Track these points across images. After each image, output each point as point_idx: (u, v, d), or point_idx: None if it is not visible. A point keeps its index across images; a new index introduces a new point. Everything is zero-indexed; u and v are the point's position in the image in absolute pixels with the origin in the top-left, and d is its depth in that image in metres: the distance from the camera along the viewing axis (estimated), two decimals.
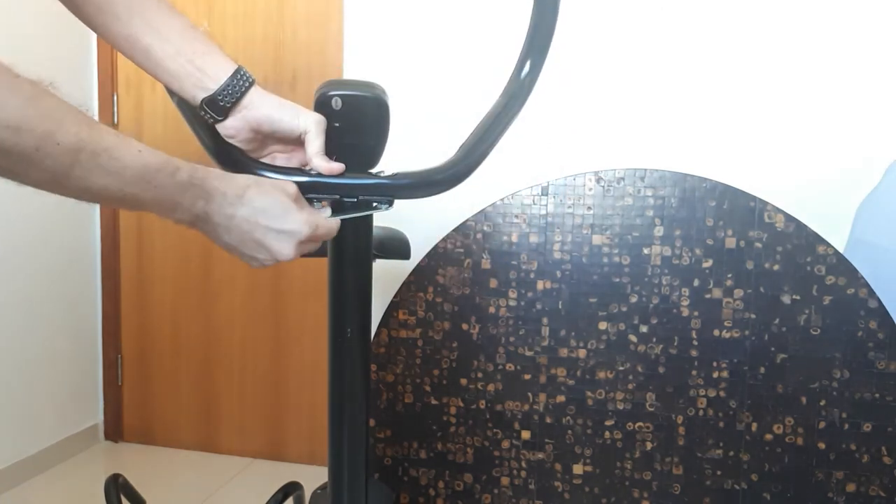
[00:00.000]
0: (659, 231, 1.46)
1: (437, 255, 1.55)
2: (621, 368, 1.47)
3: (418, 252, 1.58)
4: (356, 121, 0.81)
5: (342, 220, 0.78)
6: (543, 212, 1.52)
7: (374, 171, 0.84)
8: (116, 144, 0.57)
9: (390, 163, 0.87)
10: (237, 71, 0.77)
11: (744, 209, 1.43)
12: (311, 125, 0.77)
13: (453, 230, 1.55)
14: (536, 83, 0.82)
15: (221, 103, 0.75)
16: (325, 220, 0.74)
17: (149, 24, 0.74)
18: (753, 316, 1.42)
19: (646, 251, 1.47)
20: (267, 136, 0.80)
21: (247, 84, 0.77)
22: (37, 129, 0.50)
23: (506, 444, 1.53)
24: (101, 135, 0.55)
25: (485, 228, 1.54)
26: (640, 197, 1.48)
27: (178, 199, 0.63)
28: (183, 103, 0.80)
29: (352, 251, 0.86)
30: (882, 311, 1.37)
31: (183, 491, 2.18)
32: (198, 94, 0.75)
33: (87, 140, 0.54)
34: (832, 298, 1.39)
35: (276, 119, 0.77)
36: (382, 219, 0.89)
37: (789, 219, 1.41)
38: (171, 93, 0.79)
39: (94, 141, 0.54)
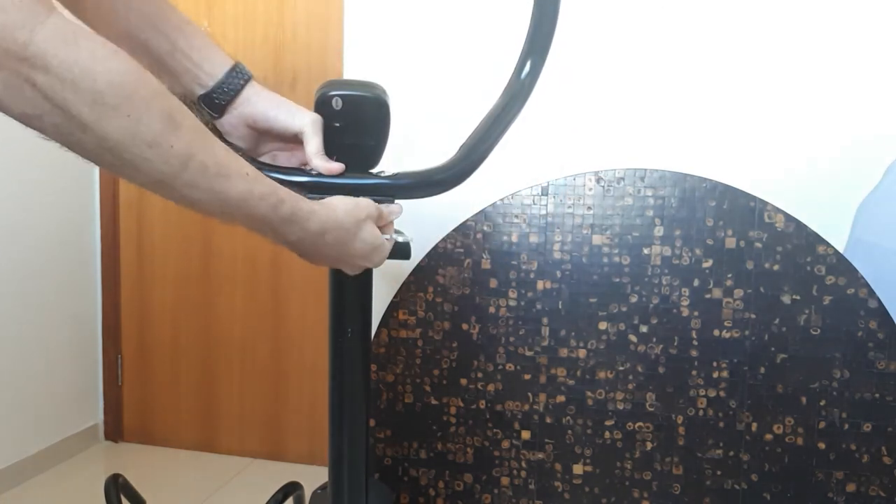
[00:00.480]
0: (659, 231, 1.46)
1: (437, 255, 1.55)
2: (621, 368, 1.47)
3: (418, 252, 1.58)
4: (356, 121, 0.81)
5: None
6: (543, 212, 1.52)
7: (374, 171, 0.84)
8: (227, 162, 0.55)
9: (390, 163, 0.87)
10: (234, 67, 0.77)
11: (744, 209, 1.43)
12: (308, 125, 0.77)
13: (453, 230, 1.55)
14: (537, 83, 0.82)
15: (217, 101, 0.75)
16: (388, 242, 0.77)
17: (146, 20, 0.73)
18: (753, 316, 1.42)
19: (646, 251, 1.47)
20: (263, 134, 0.80)
21: (243, 80, 0.77)
22: (154, 126, 0.48)
23: (506, 444, 1.53)
24: (213, 148, 0.54)
25: (485, 228, 1.54)
26: (640, 197, 1.48)
27: (275, 228, 0.63)
28: (184, 102, 0.80)
29: None
30: (882, 311, 1.37)
31: (183, 491, 2.18)
32: (195, 90, 0.75)
33: (199, 149, 0.52)
34: (832, 298, 1.39)
35: (272, 117, 0.77)
36: None
37: (789, 219, 1.41)
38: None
39: (205, 152, 0.53)
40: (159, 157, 0.49)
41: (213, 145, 0.54)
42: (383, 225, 0.76)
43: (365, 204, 0.72)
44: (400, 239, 0.79)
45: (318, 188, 0.79)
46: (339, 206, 0.69)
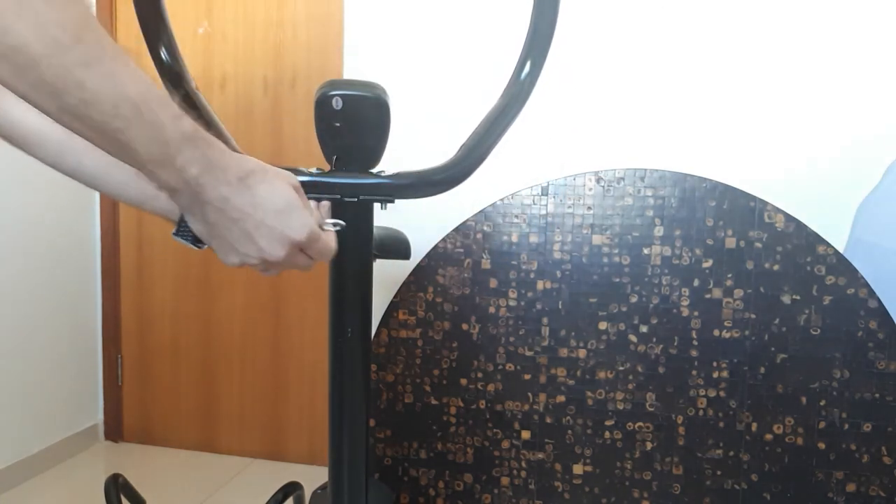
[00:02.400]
0: (659, 231, 1.46)
1: (437, 255, 1.55)
2: (621, 368, 1.47)
3: (418, 252, 1.58)
4: (356, 121, 0.81)
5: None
6: (543, 212, 1.52)
7: (374, 171, 0.84)
8: (123, 53, 0.48)
9: (390, 163, 0.87)
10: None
11: (744, 209, 1.43)
12: None
13: (453, 230, 1.55)
14: (536, 84, 0.82)
15: None
16: (326, 235, 0.65)
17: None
18: (753, 316, 1.42)
19: (646, 251, 1.47)
20: None
21: None
22: (63, 38, 0.44)
23: (506, 444, 1.53)
24: (112, 41, 0.48)
25: (485, 228, 1.54)
26: (640, 197, 1.48)
27: (172, 150, 0.52)
28: (184, 103, 0.80)
29: (352, 251, 0.86)
30: (882, 311, 1.37)
31: (183, 491, 2.18)
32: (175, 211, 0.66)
33: (92, 31, 0.46)
34: (832, 298, 1.39)
35: None
36: (382, 219, 0.90)
37: (789, 219, 1.41)
38: (173, 92, 0.79)
39: (105, 38, 0.47)
40: (53, 20, 0.44)
41: (110, 39, 0.48)
42: (312, 248, 0.65)
43: (289, 176, 0.63)
44: (334, 228, 0.70)
45: (318, 188, 0.79)
46: (255, 162, 0.59)
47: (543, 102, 1.88)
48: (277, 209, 0.59)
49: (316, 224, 0.63)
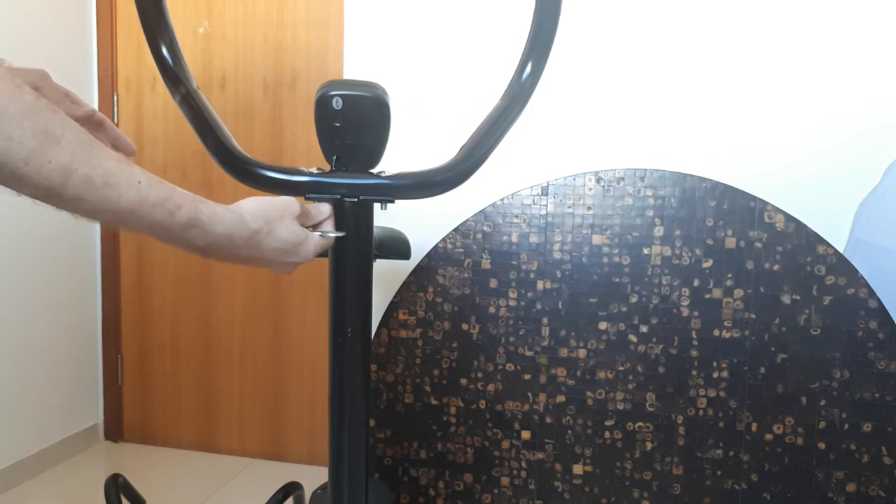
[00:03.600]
0: (659, 231, 1.46)
1: (437, 255, 1.55)
2: (621, 368, 1.47)
3: (418, 252, 1.58)
4: (357, 121, 0.81)
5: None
6: (543, 212, 1.52)
7: (374, 171, 0.84)
8: (115, 171, 0.55)
9: (390, 163, 0.87)
10: None
11: (744, 209, 1.43)
12: None
13: (453, 230, 1.55)
14: (538, 85, 0.82)
15: None
16: (311, 237, 0.76)
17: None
18: (753, 316, 1.42)
19: (646, 251, 1.47)
20: None
21: None
22: (28, 143, 0.49)
23: (506, 444, 1.53)
24: (99, 159, 0.54)
25: (485, 228, 1.54)
26: (640, 197, 1.48)
27: (176, 235, 0.62)
28: (185, 102, 0.80)
29: (352, 251, 0.86)
30: (882, 311, 1.37)
31: (183, 491, 2.18)
32: None
33: (81, 162, 0.52)
34: (832, 298, 1.39)
35: None
36: (382, 219, 0.90)
37: (789, 219, 1.41)
38: (173, 93, 0.79)
39: (89, 164, 0.53)
40: (37, 173, 0.50)
41: (98, 156, 0.53)
42: (315, 223, 0.77)
43: (280, 202, 0.72)
44: (332, 234, 0.79)
45: (318, 188, 0.79)
46: (246, 207, 0.69)
47: (544, 103, 1.88)
48: (287, 251, 0.73)
49: (318, 242, 0.76)
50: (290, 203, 0.72)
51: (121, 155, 0.56)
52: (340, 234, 0.80)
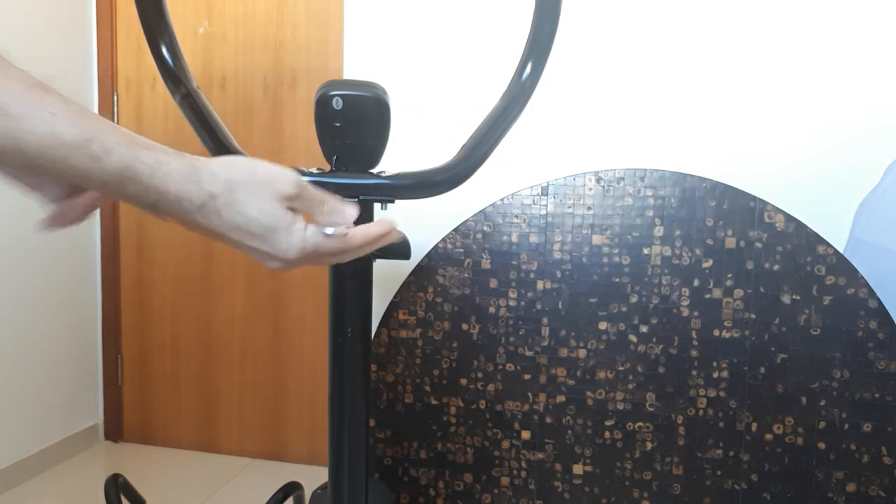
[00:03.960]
0: (659, 231, 1.46)
1: (437, 255, 1.55)
2: (621, 368, 1.47)
3: (418, 252, 1.58)
4: (357, 121, 0.81)
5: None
6: (543, 212, 1.52)
7: (374, 171, 0.84)
8: (19, 96, 0.42)
9: (390, 163, 0.87)
10: None
11: (744, 209, 1.43)
12: None
13: (453, 230, 1.55)
14: (537, 85, 0.82)
15: None
16: (327, 241, 0.56)
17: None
18: (753, 316, 1.42)
19: (646, 251, 1.47)
20: None
21: None
22: None
23: (506, 444, 1.53)
24: (6, 81, 0.42)
25: (485, 228, 1.54)
26: (640, 197, 1.48)
27: (113, 190, 0.46)
28: (185, 102, 0.80)
29: None
30: (882, 311, 1.37)
31: (183, 491, 2.18)
32: None
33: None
34: (832, 298, 1.39)
35: None
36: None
37: (789, 219, 1.41)
38: (173, 92, 0.79)
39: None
40: None
41: (8, 76, 0.42)
42: (320, 213, 0.56)
43: (262, 169, 0.52)
44: (329, 231, 0.56)
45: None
46: (213, 165, 0.51)
47: (544, 103, 1.88)
48: (253, 233, 0.52)
49: (310, 238, 0.54)
50: (276, 175, 0.52)
51: (38, 80, 0.43)
52: (342, 234, 0.61)
